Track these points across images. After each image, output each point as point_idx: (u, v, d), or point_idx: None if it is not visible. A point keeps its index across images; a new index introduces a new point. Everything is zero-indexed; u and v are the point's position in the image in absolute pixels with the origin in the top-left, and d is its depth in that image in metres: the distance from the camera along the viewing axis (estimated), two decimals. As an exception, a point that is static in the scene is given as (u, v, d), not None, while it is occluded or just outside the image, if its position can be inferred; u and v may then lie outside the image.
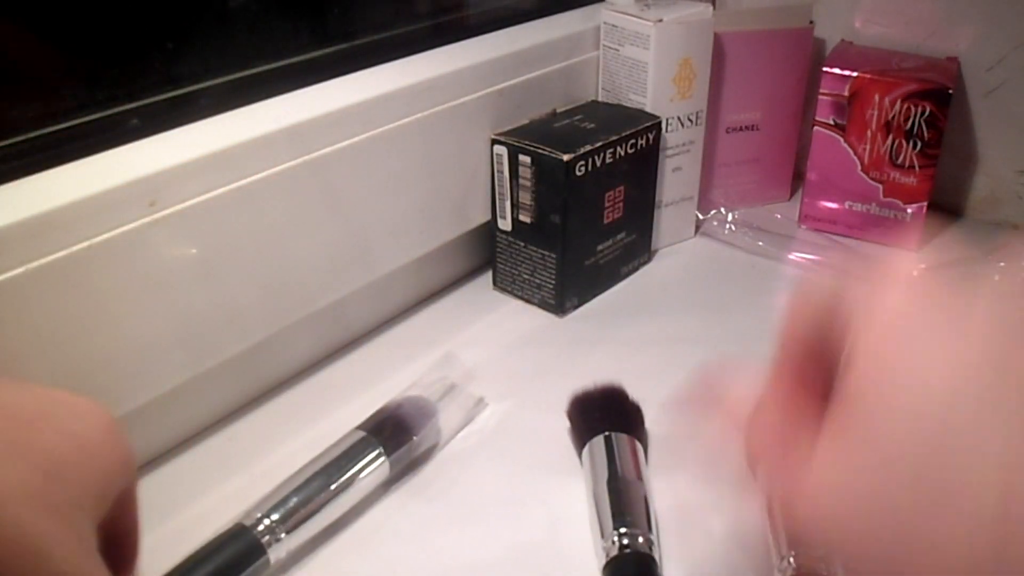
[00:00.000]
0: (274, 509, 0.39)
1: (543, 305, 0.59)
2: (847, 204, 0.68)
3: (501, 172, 0.57)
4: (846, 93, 0.65)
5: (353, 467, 0.42)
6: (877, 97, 0.64)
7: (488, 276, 0.62)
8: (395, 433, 0.44)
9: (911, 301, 0.25)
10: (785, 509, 0.35)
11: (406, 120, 0.52)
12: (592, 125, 0.58)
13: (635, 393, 0.46)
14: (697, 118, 0.64)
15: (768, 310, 0.62)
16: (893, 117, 0.64)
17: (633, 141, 0.58)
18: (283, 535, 0.38)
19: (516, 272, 0.60)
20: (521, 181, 0.56)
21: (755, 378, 0.29)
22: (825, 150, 0.67)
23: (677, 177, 0.65)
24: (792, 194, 0.75)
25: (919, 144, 0.64)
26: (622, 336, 0.57)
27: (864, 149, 0.66)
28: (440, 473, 0.46)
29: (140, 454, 0.46)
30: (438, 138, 0.55)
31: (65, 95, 0.43)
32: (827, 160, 0.67)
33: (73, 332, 0.39)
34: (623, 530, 0.38)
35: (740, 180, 0.72)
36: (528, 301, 0.60)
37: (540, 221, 0.57)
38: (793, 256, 0.66)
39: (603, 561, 0.38)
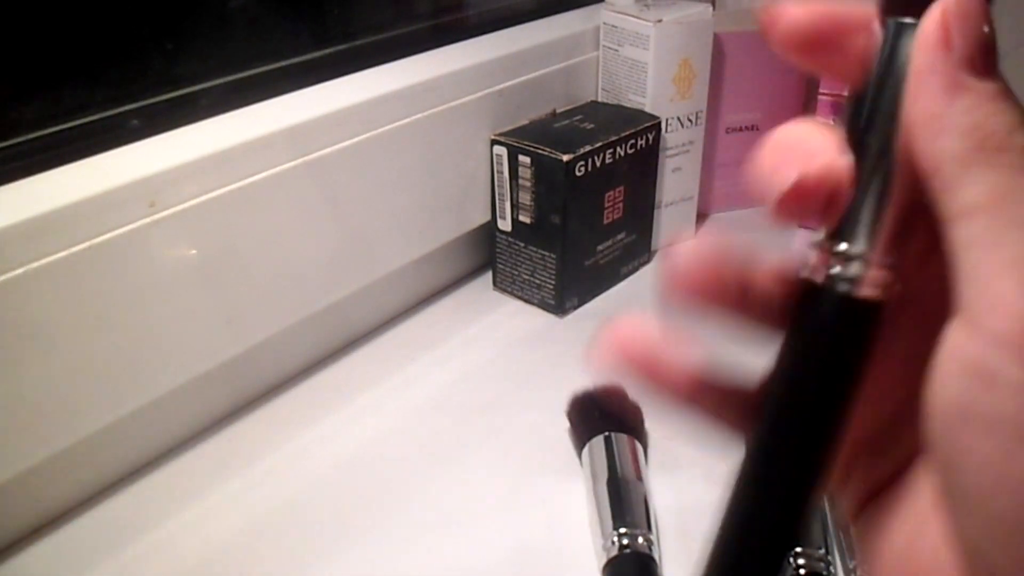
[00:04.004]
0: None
1: (543, 305, 0.59)
2: (847, 204, 0.68)
3: (501, 172, 0.57)
4: (846, 93, 0.64)
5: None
6: (877, 97, 0.64)
7: (488, 276, 0.62)
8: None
9: None
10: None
11: (406, 120, 0.52)
12: (592, 125, 0.58)
13: (635, 393, 0.46)
14: (697, 118, 0.64)
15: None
16: (893, 117, 0.64)
17: (633, 141, 0.58)
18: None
19: (516, 272, 0.60)
20: (521, 181, 0.56)
21: None
22: (825, 150, 0.67)
23: (677, 177, 0.65)
24: (792, 194, 0.74)
25: (919, 144, 0.64)
26: (622, 336, 0.57)
27: (864, 149, 0.66)
28: (440, 473, 0.46)
29: (141, 455, 0.46)
30: (438, 138, 0.55)
31: (65, 96, 0.44)
32: (827, 160, 0.67)
33: (73, 333, 0.39)
34: (623, 530, 0.38)
35: (740, 180, 0.72)
36: (528, 301, 0.60)
37: (540, 221, 0.57)
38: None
39: (603, 561, 0.38)
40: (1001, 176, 0.18)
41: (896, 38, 0.20)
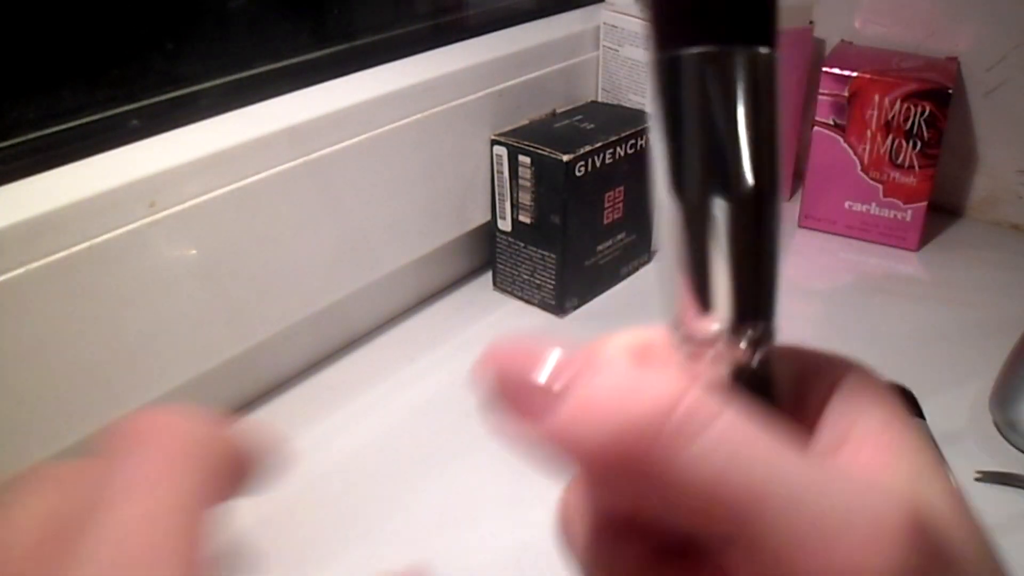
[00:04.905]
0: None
1: (543, 305, 0.59)
2: (847, 204, 0.68)
3: (501, 172, 0.57)
4: (846, 93, 0.65)
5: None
6: (877, 97, 0.64)
7: (488, 276, 0.62)
8: None
9: None
10: None
11: (406, 120, 0.52)
12: (592, 125, 0.58)
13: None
14: (697, 118, 0.64)
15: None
16: (893, 117, 0.64)
17: (633, 142, 0.58)
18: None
19: (516, 272, 0.60)
20: (521, 181, 0.56)
21: None
22: (825, 150, 0.67)
23: (677, 177, 0.65)
24: (792, 194, 0.75)
25: (919, 144, 0.64)
26: (622, 336, 0.57)
27: (864, 149, 0.66)
28: (440, 473, 0.46)
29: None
30: (438, 138, 0.55)
31: (66, 96, 0.44)
32: (827, 160, 0.67)
33: (73, 332, 0.39)
34: (623, 530, 0.38)
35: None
36: (528, 301, 0.60)
37: (540, 221, 0.57)
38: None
39: (603, 561, 0.38)
40: None
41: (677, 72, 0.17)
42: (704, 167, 0.17)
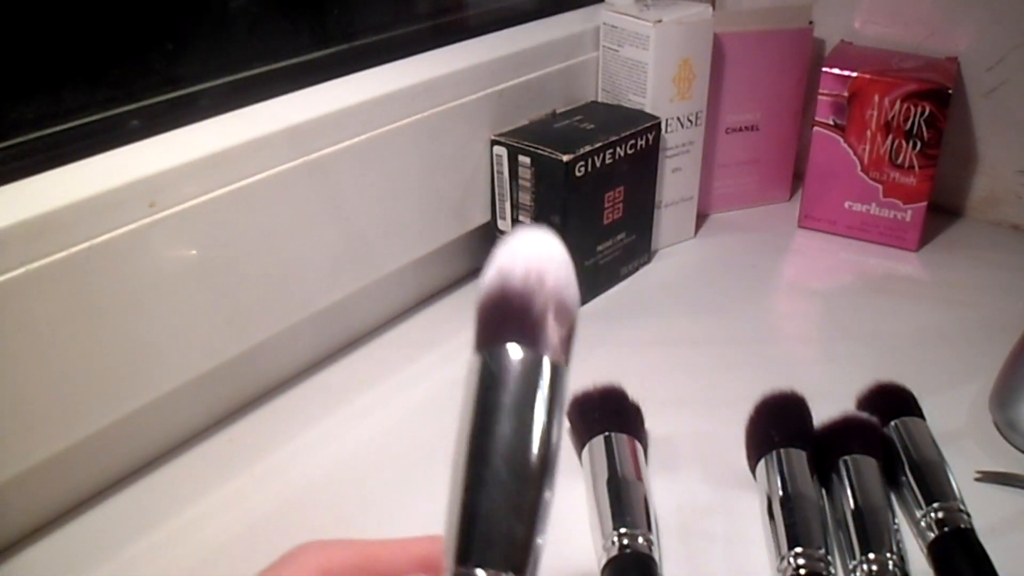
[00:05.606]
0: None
1: (543, 305, 0.59)
2: (847, 204, 0.68)
3: (501, 173, 0.57)
4: (846, 93, 0.65)
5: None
6: (876, 97, 0.64)
7: (488, 276, 0.62)
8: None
9: None
10: None
11: (406, 121, 0.52)
12: (592, 126, 0.58)
13: (635, 393, 0.46)
14: (697, 119, 0.64)
15: (768, 312, 0.62)
16: (893, 117, 0.64)
17: (633, 142, 0.58)
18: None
19: (516, 272, 0.60)
20: (521, 182, 0.56)
21: None
22: (825, 150, 0.67)
23: (677, 178, 0.65)
24: (792, 194, 0.75)
25: (919, 144, 0.64)
26: (622, 337, 0.57)
27: (864, 149, 0.66)
28: (440, 473, 0.46)
29: (142, 456, 0.46)
30: (438, 139, 0.55)
31: (65, 96, 0.43)
32: (827, 160, 0.67)
33: (73, 332, 0.39)
34: (623, 530, 0.38)
35: (740, 180, 0.72)
36: (528, 301, 0.60)
37: (540, 221, 0.57)
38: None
39: (603, 561, 0.38)
40: None
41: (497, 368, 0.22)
42: None
